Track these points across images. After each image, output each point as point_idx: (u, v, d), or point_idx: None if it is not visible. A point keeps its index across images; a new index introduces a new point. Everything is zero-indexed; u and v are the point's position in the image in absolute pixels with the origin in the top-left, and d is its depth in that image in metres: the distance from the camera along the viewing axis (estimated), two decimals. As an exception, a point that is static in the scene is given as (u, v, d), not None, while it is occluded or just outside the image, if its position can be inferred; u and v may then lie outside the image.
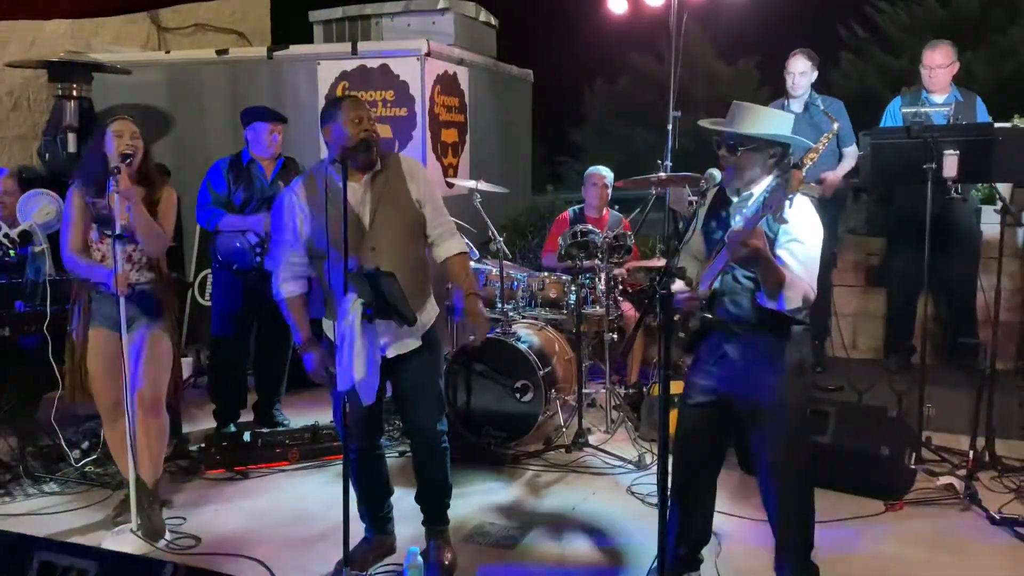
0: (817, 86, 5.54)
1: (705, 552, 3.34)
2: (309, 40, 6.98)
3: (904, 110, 5.24)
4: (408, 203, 3.29)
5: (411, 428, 3.52)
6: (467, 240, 5.21)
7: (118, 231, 3.53)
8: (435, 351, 3.40)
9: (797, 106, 5.42)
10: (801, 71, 5.37)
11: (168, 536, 3.67)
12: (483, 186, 5.22)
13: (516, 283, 5.12)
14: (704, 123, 3.05)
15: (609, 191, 5.67)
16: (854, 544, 3.61)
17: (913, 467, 4.17)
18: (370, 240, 3.22)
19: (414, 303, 3.21)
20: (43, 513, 3.97)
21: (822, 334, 5.76)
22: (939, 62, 5.18)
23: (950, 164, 4.27)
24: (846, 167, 5.45)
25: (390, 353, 3.28)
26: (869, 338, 6.22)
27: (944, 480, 4.14)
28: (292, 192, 3.28)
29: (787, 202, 2.49)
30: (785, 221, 2.63)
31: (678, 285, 2.93)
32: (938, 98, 5.25)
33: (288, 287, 3.33)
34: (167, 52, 7.08)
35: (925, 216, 4.33)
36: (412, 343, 3.31)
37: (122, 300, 3.56)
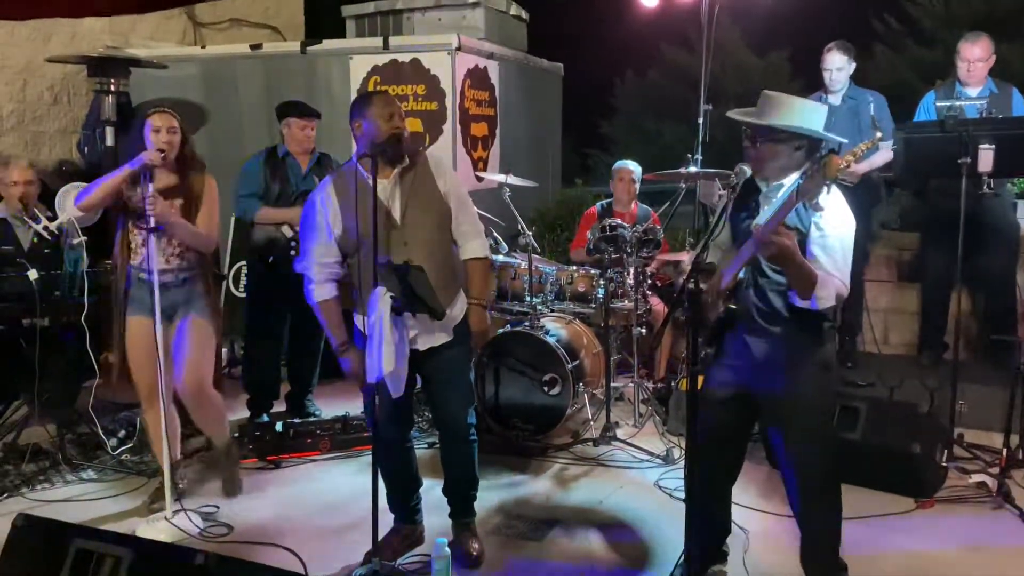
0: (852, 78, 5.48)
1: (732, 546, 3.34)
2: (341, 35, 7.04)
3: (938, 104, 5.18)
4: (437, 198, 3.31)
5: (440, 420, 3.55)
6: (496, 235, 5.26)
7: (152, 224, 3.60)
8: (465, 344, 3.42)
9: (835, 100, 5.37)
10: (838, 67, 5.32)
11: (201, 524, 3.74)
12: (512, 180, 5.24)
13: (545, 277, 5.13)
14: (732, 114, 3.03)
15: (637, 185, 5.66)
16: (884, 542, 3.59)
17: (945, 464, 4.13)
18: (402, 235, 3.25)
19: (444, 297, 3.24)
20: (80, 500, 4.07)
21: (853, 329, 5.71)
22: (978, 55, 5.10)
23: (985, 158, 4.21)
24: (878, 160, 5.39)
25: (420, 346, 3.31)
26: (901, 334, 6.15)
27: (976, 478, 4.09)
28: (322, 192, 3.30)
29: (824, 188, 2.45)
30: (821, 208, 2.59)
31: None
32: (972, 91, 5.18)
33: (321, 291, 3.32)
34: (203, 47, 7.18)
35: (959, 211, 4.28)
36: (442, 336, 3.33)
37: (155, 281, 3.64)
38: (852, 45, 5.40)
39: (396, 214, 3.26)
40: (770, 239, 2.52)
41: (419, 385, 3.46)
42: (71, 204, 4.42)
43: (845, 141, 4.51)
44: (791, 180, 2.86)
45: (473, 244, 3.41)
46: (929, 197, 5.53)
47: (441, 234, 3.34)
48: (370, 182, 3.10)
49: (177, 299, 3.80)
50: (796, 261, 2.61)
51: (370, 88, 6.17)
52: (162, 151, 3.65)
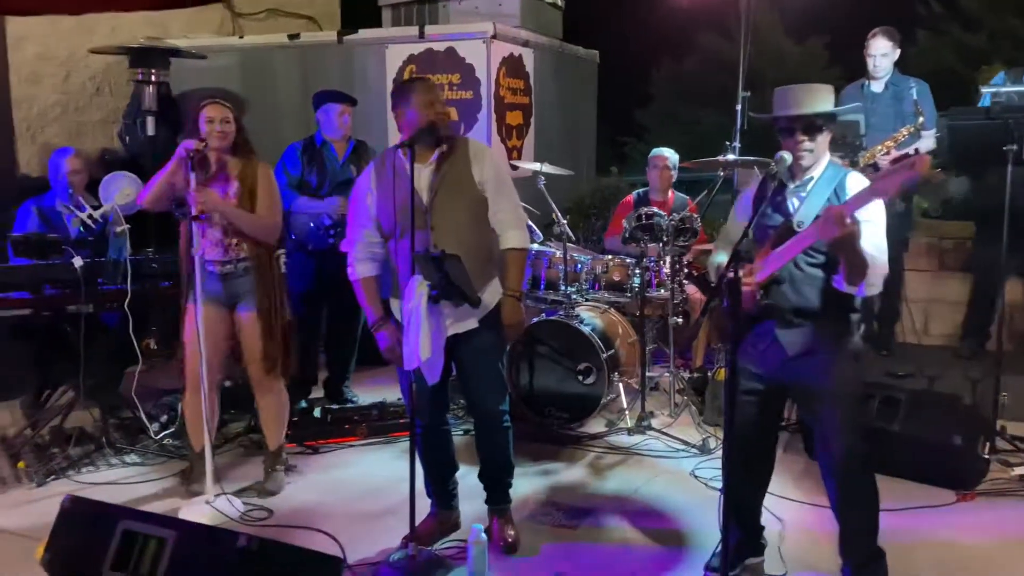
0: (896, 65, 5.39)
1: (769, 538, 3.33)
2: (377, 24, 7.06)
3: (985, 89, 5.08)
4: (470, 186, 3.31)
5: (472, 407, 3.58)
6: (531, 223, 5.25)
7: (194, 213, 3.65)
8: (495, 332, 3.41)
9: (878, 87, 5.29)
10: (883, 52, 5.23)
11: (242, 507, 3.81)
12: (547, 168, 5.23)
13: (580, 266, 5.12)
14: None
15: (673, 173, 5.60)
16: (924, 533, 3.55)
17: (987, 456, 4.07)
18: (429, 220, 3.27)
19: (475, 284, 3.25)
20: (124, 483, 4.15)
21: (892, 318, 5.64)
22: None
23: (1032, 146, 4.13)
24: (921, 148, 5.30)
25: (449, 331, 3.33)
26: (942, 324, 6.06)
27: (1019, 471, 4.04)
28: (366, 175, 3.37)
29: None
30: (836, 196, 2.70)
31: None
32: None
33: (362, 268, 3.40)
34: (240, 37, 7.24)
35: (1005, 199, 4.20)
36: (470, 323, 3.34)
37: (197, 271, 3.70)
38: (897, 32, 5.31)
39: (424, 198, 3.28)
40: (835, 225, 2.54)
41: (455, 372, 3.49)
42: (115, 193, 4.51)
43: (861, 116, 4.43)
44: (819, 170, 2.90)
45: (510, 234, 3.39)
46: (984, 184, 5.41)
47: (472, 221, 3.34)
48: (407, 169, 3.12)
49: (239, 288, 3.86)
50: (858, 247, 2.64)
51: (406, 77, 6.19)
52: (204, 141, 3.69)
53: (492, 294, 3.41)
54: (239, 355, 4.00)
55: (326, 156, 4.94)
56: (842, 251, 2.68)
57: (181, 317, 3.91)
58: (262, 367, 3.92)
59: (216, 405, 4.05)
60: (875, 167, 5.09)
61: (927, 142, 5.27)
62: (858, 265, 2.68)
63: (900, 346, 5.65)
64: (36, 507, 3.83)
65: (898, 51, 5.28)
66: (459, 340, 3.35)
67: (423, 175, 3.28)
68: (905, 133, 5.03)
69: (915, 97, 5.13)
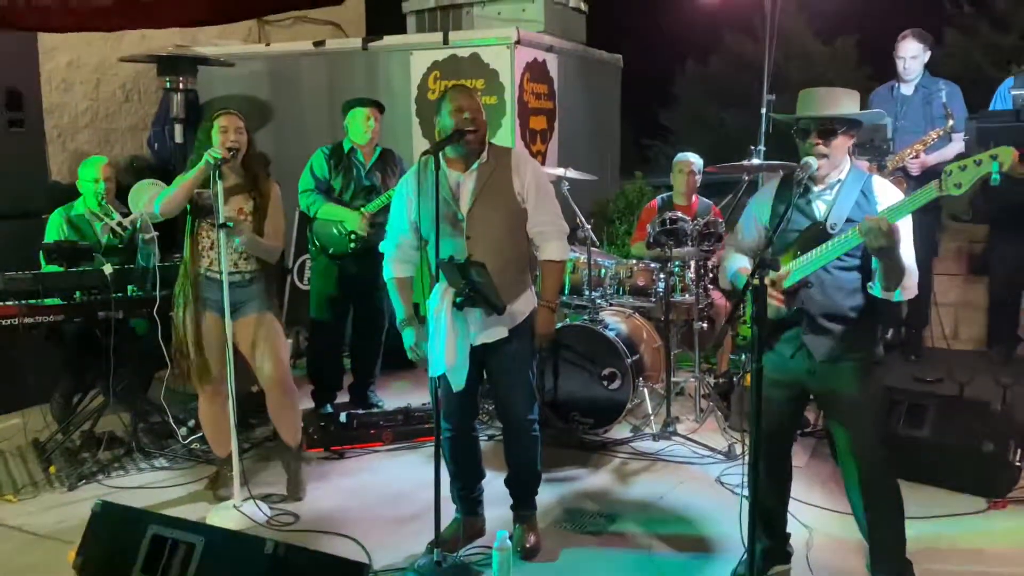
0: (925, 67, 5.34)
1: (796, 545, 3.31)
2: (402, 30, 7.10)
3: (1015, 92, 5.01)
4: (509, 196, 3.31)
5: (502, 415, 3.59)
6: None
7: (221, 220, 3.69)
8: (525, 342, 3.42)
9: (908, 89, 5.24)
10: (912, 55, 5.18)
11: (269, 512, 3.84)
12: (571, 173, 5.23)
13: (604, 270, 5.11)
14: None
15: (698, 178, 5.57)
16: (955, 541, 3.51)
17: (1018, 463, 4.01)
18: (466, 229, 3.29)
19: (506, 294, 3.26)
20: (153, 487, 4.20)
21: (921, 323, 5.58)
22: None
23: (1062, 148, 4.05)
24: (949, 152, 5.24)
25: (477, 341, 3.34)
26: (971, 328, 5.99)
27: (1051, 478, 3.98)
28: (406, 180, 3.40)
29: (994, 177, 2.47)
30: (863, 202, 2.73)
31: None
32: None
33: (396, 268, 3.46)
34: (267, 44, 7.32)
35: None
36: (499, 332, 3.35)
37: (225, 283, 3.72)
38: (928, 34, 5.26)
39: (463, 208, 3.29)
40: (892, 234, 2.57)
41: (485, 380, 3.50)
42: (144, 200, 4.57)
43: (888, 120, 4.39)
44: (844, 173, 2.90)
45: (550, 246, 3.39)
46: (1000, 188, 5.35)
47: (510, 232, 3.34)
48: (446, 177, 3.19)
49: (242, 296, 3.89)
50: (898, 255, 2.67)
51: (430, 83, 6.23)
52: (231, 149, 3.74)
53: (526, 303, 3.41)
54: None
55: (353, 162, 4.97)
56: (884, 258, 2.68)
57: (187, 325, 3.91)
58: (283, 370, 3.96)
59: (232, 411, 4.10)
60: (904, 171, 5.04)
61: (956, 145, 5.21)
62: (898, 270, 2.71)
63: (929, 351, 5.58)
64: (67, 511, 3.89)
65: (928, 53, 5.23)
66: (490, 349, 3.37)
67: (464, 185, 3.30)
68: (934, 136, 4.98)
69: (944, 100, 5.08)
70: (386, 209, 4.96)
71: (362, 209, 4.85)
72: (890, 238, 2.58)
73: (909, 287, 2.76)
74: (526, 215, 3.35)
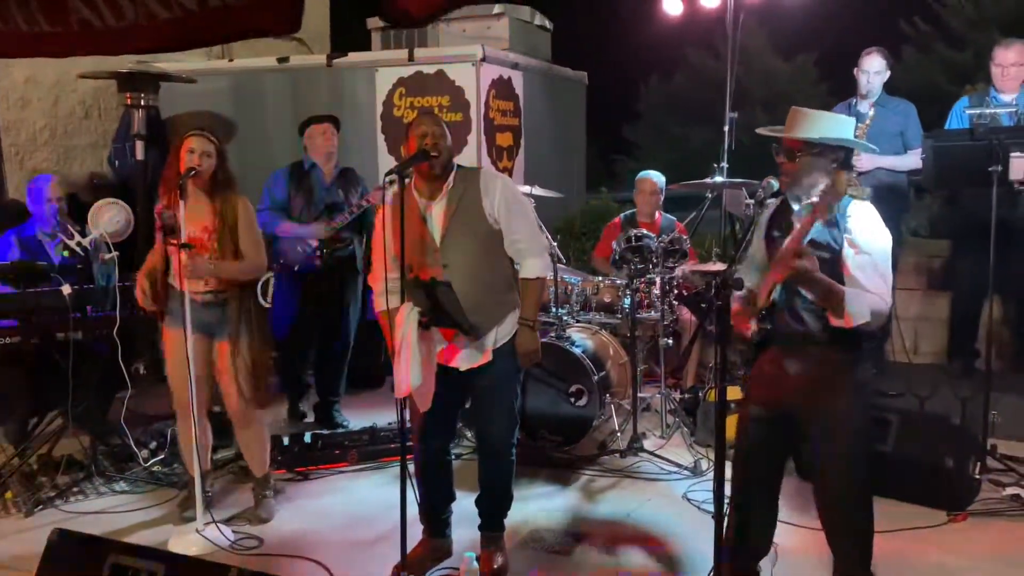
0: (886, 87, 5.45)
1: (762, 562, 3.31)
2: (367, 47, 7.08)
3: (969, 111, 5.12)
4: (480, 219, 3.27)
5: (481, 437, 3.56)
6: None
7: (183, 240, 3.65)
8: (508, 362, 3.38)
9: (864, 107, 5.34)
10: (876, 71, 5.30)
11: (232, 537, 3.78)
12: (537, 191, 5.24)
13: (570, 287, 5.12)
14: (762, 131, 3.02)
15: (660, 197, 5.60)
16: (915, 555, 3.54)
17: (978, 476, 4.07)
18: (442, 258, 3.26)
19: (489, 317, 3.26)
20: (113, 511, 4.12)
21: (882, 338, 5.66)
22: (1012, 60, 5.06)
23: (1017, 167, 4.15)
24: (903, 163, 5.33)
25: (462, 367, 3.33)
26: (931, 342, 6.09)
27: (1011, 490, 4.04)
28: (385, 208, 3.30)
29: (834, 205, 2.45)
30: (834, 224, 2.63)
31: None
32: (1007, 97, 5.12)
33: (382, 301, 3.33)
34: (230, 60, 7.25)
35: (990, 219, 4.23)
36: (480, 357, 3.32)
37: (187, 299, 3.67)
38: (888, 53, 5.38)
39: (436, 237, 3.27)
40: (786, 262, 2.53)
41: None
42: (103, 220, 4.50)
43: (876, 150, 4.52)
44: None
45: (529, 263, 3.35)
46: (961, 204, 5.47)
47: (486, 256, 3.31)
48: (416, 199, 3.20)
49: (214, 318, 3.82)
50: (816, 280, 2.62)
51: (395, 100, 6.22)
52: (190, 169, 3.69)
53: (506, 328, 3.38)
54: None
55: (313, 180, 4.96)
56: (804, 287, 2.67)
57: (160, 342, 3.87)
58: (238, 399, 3.87)
59: (209, 431, 4.04)
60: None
61: (912, 159, 5.30)
62: (828, 297, 2.66)
63: (890, 365, 5.66)
64: (24, 537, 3.80)
65: (888, 72, 5.35)
66: (475, 372, 3.35)
67: (435, 213, 3.28)
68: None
69: (901, 118, 5.19)
70: (352, 225, 4.95)
71: (325, 228, 4.83)
72: (791, 268, 2.53)
73: (856, 314, 2.67)
74: (502, 235, 3.32)
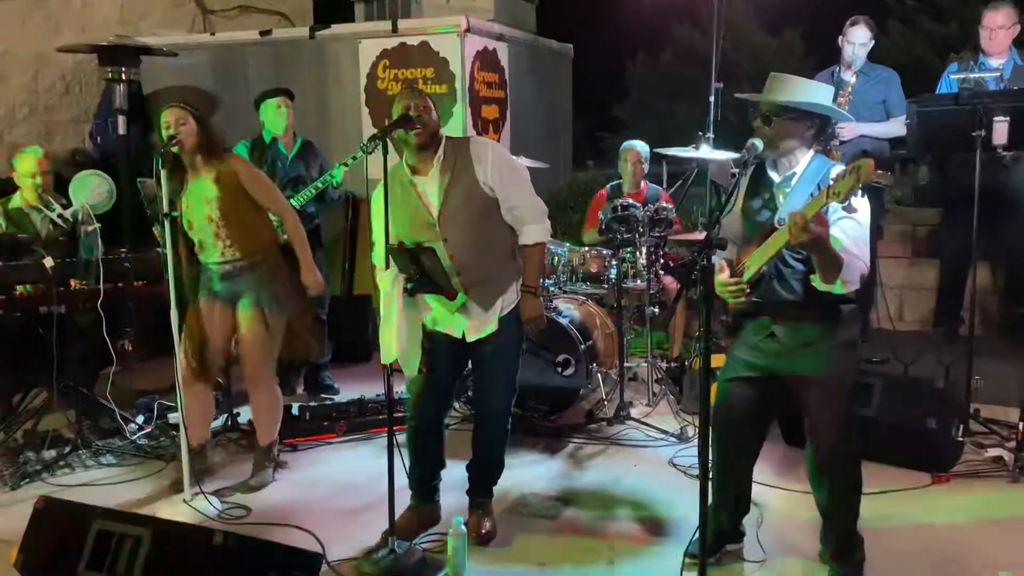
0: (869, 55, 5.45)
1: (747, 524, 3.35)
2: (350, 19, 7.03)
3: (953, 76, 5.14)
4: (475, 188, 3.24)
5: (480, 405, 3.58)
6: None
7: (166, 210, 3.62)
8: (513, 333, 3.38)
9: (848, 76, 5.34)
10: (862, 41, 5.29)
11: (220, 506, 3.78)
12: (523, 162, 5.22)
13: (556, 258, 5.12)
14: (741, 95, 3.03)
15: (645, 166, 5.59)
16: (900, 516, 3.58)
17: (960, 439, 4.11)
18: (441, 232, 3.24)
19: (492, 287, 3.26)
20: (100, 484, 4.10)
21: (867, 305, 5.69)
22: (1000, 23, 5.06)
23: (1000, 131, 4.17)
24: (887, 129, 5.33)
25: (469, 338, 3.34)
26: (915, 310, 6.13)
27: (992, 452, 4.09)
28: (377, 196, 3.25)
29: (859, 191, 2.45)
30: (854, 210, 2.65)
31: (722, 265, 2.93)
32: (995, 61, 5.13)
33: (388, 277, 3.27)
34: (212, 34, 7.19)
35: (974, 185, 4.24)
36: (488, 328, 3.33)
37: (170, 271, 3.69)
38: (874, 23, 5.37)
39: (433, 212, 3.25)
40: (805, 225, 2.53)
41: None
42: (85, 192, 4.46)
43: (852, 118, 4.50)
44: (802, 165, 2.89)
45: (528, 229, 3.33)
46: (949, 171, 5.48)
47: (486, 226, 3.28)
48: (408, 175, 3.21)
49: (239, 287, 3.86)
50: (828, 247, 2.64)
51: (379, 72, 6.18)
52: (171, 138, 3.67)
53: (510, 297, 3.37)
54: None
55: (275, 153, 4.94)
56: (813, 252, 2.69)
57: (183, 316, 3.85)
58: (253, 366, 3.90)
59: (212, 403, 4.12)
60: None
61: (896, 126, 5.30)
62: (829, 265, 2.69)
63: (875, 332, 5.70)
64: (10, 511, 3.78)
65: (873, 42, 5.34)
66: (480, 340, 3.35)
67: (429, 188, 3.26)
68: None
69: (883, 85, 5.19)
70: (316, 200, 4.93)
71: (291, 201, 4.80)
72: (809, 232, 2.53)
73: (849, 280, 2.72)
74: (498, 203, 3.28)
